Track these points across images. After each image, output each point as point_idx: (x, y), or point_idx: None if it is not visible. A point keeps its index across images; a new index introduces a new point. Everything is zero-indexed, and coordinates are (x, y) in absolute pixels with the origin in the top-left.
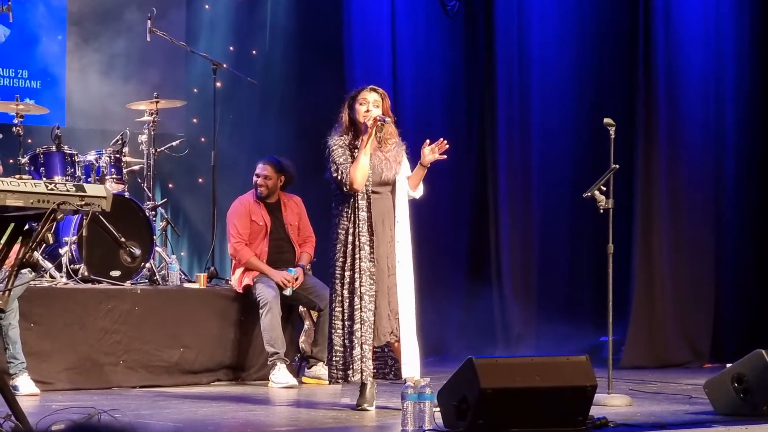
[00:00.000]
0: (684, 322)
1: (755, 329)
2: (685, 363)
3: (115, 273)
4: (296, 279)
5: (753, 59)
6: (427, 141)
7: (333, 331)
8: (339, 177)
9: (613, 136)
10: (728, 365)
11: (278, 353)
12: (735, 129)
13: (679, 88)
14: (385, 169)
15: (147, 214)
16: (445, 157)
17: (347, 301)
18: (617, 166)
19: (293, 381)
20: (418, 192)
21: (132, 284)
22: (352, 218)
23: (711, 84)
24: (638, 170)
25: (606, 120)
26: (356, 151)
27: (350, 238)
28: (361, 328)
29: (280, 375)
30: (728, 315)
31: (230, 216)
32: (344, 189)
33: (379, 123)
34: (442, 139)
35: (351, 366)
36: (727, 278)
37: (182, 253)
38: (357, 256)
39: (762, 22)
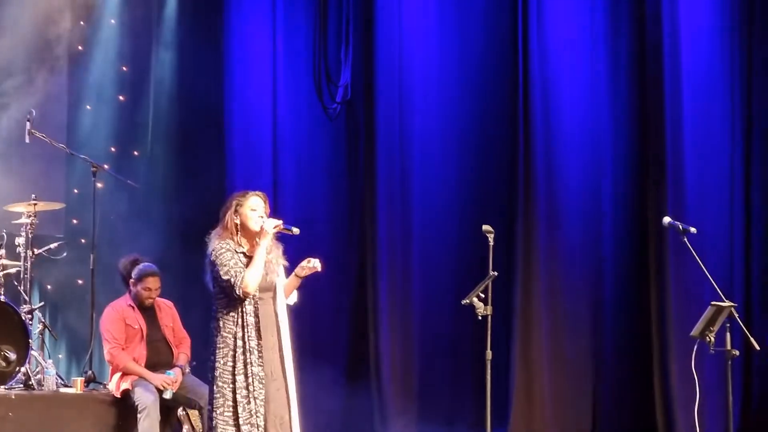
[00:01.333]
0: (563, 425)
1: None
2: None
3: None
4: (175, 381)
5: (629, 162)
6: (309, 259)
7: None
8: (232, 280)
9: (491, 243)
10: None
11: None
12: (613, 234)
13: (558, 194)
14: (269, 272)
15: (23, 318)
16: (319, 269)
17: (241, 405)
18: (496, 273)
19: None
20: (292, 299)
21: (6, 389)
22: (240, 322)
23: (589, 192)
24: (518, 276)
25: (485, 227)
26: (243, 255)
27: (239, 342)
28: None
29: None
30: (607, 419)
31: (103, 322)
32: (235, 293)
33: (283, 230)
34: (318, 264)
35: None
36: (606, 383)
37: (60, 356)
38: (248, 360)
39: (638, 124)
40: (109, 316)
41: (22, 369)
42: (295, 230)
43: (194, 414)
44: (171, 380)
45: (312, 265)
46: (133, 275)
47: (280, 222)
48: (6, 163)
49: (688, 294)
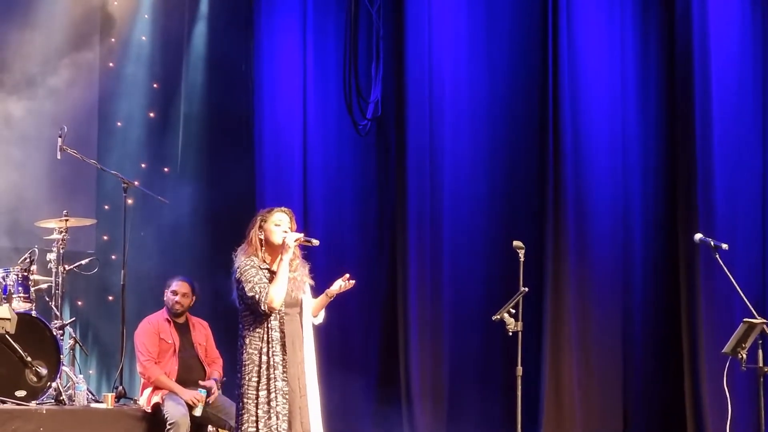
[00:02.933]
0: None
1: None
2: None
3: (21, 393)
4: (211, 390)
5: (659, 181)
6: (346, 275)
7: None
8: (257, 297)
9: (522, 259)
10: None
11: None
12: (643, 251)
13: (587, 208)
14: (295, 288)
15: (54, 333)
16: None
17: (262, 420)
18: (526, 288)
19: None
20: (319, 318)
21: (37, 404)
22: (265, 338)
23: (619, 206)
24: (548, 291)
25: (515, 243)
26: (267, 272)
27: (264, 357)
28: None
29: None
30: None
31: (138, 335)
32: (261, 309)
33: (304, 243)
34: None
35: None
36: (636, 399)
37: (90, 372)
38: (272, 375)
39: (666, 145)
40: (143, 329)
41: (54, 384)
42: (315, 242)
43: None
44: (201, 397)
45: (346, 284)
46: (165, 286)
47: (301, 235)
48: (37, 179)
49: (720, 310)
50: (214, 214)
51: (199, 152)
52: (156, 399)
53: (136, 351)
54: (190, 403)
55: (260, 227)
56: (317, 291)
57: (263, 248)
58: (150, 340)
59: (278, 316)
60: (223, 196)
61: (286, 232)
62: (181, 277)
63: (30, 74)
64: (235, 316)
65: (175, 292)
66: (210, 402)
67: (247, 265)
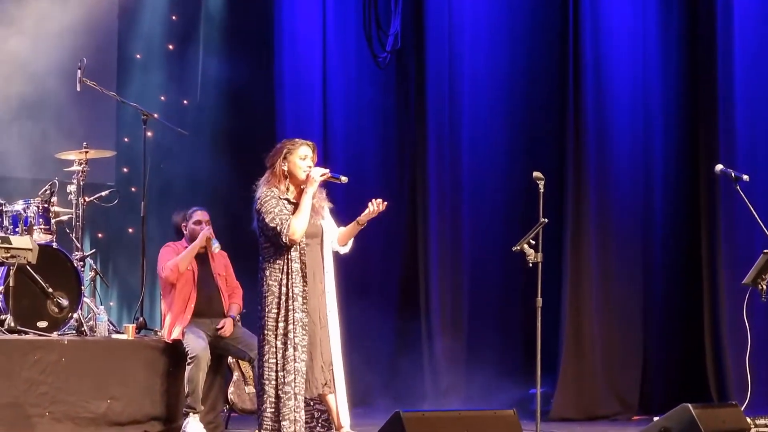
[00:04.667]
0: (612, 374)
1: (683, 382)
2: (614, 415)
3: (42, 324)
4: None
5: (679, 115)
6: (375, 200)
7: (266, 382)
8: (278, 228)
9: (542, 190)
10: (655, 418)
11: (192, 406)
12: (664, 182)
13: (608, 142)
14: (314, 215)
15: (75, 265)
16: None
17: (280, 351)
18: (546, 220)
19: None
20: (347, 248)
21: (59, 335)
22: (285, 269)
23: (640, 138)
24: (568, 223)
25: (535, 174)
26: (288, 203)
27: (283, 289)
28: (294, 379)
29: (191, 426)
30: (656, 367)
31: (160, 258)
32: (282, 240)
33: (331, 179)
34: (383, 201)
35: (285, 417)
36: (656, 331)
37: (111, 304)
38: (291, 307)
39: (688, 79)
40: (165, 252)
41: (75, 315)
42: (344, 179)
43: (245, 363)
44: (210, 233)
45: (376, 207)
46: (182, 218)
47: (327, 171)
48: (57, 111)
49: (740, 241)
50: (233, 147)
51: (219, 84)
52: (177, 332)
53: (158, 269)
54: (206, 239)
55: (285, 158)
56: (338, 222)
57: (286, 179)
58: (171, 257)
59: (298, 247)
60: (242, 129)
61: (310, 167)
62: (196, 207)
63: (49, 7)
64: (254, 246)
65: (198, 222)
66: (228, 334)
67: (268, 195)
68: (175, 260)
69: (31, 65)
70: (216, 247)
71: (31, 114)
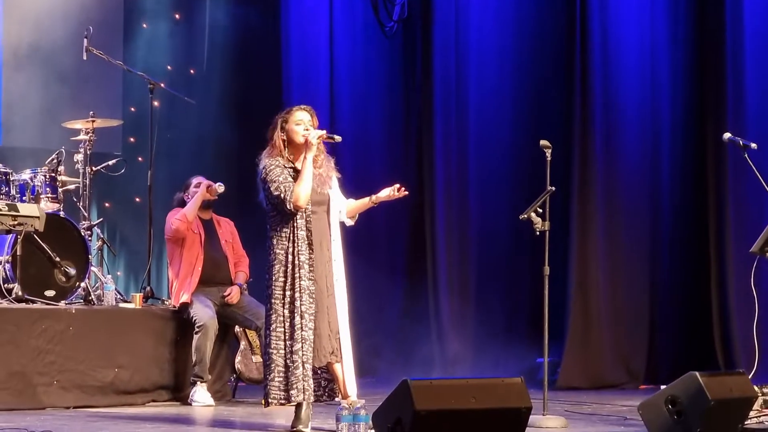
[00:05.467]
0: (620, 343)
1: (690, 350)
2: (621, 384)
3: (50, 293)
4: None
5: (687, 83)
6: (397, 186)
7: (273, 351)
8: (282, 195)
9: (549, 158)
10: (663, 387)
11: (200, 375)
12: (671, 150)
13: (615, 110)
14: (320, 184)
15: (82, 234)
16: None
17: (288, 320)
18: (553, 188)
19: (210, 401)
20: (353, 221)
21: (67, 304)
22: (291, 237)
23: (647, 106)
24: (574, 192)
25: (542, 142)
26: (292, 171)
27: (290, 257)
28: (302, 348)
29: (198, 395)
30: (663, 336)
31: (169, 216)
32: (287, 208)
33: (327, 139)
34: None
35: (294, 386)
36: (663, 300)
37: (118, 273)
38: (297, 275)
39: (696, 48)
40: (172, 213)
41: (82, 284)
42: (337, 138)
43: (252, 333)
44: (214, 187)
45: (395, 193)
46: (183, 190)
47: (323, 132)
48: (64, 80)
49: (748, 209)
50: (240, 116)
51: (225, 53)
52: (184, 297)
53: (166, 229)
54: (210, 194)
55: (282, 128)
56: (346, 193)
57: (287, 148)
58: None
59: (304, 214)
60: (249, 98)
61: (307, 130)
62: (196, 176)
63: None
64: (261, 216)
65: (198, 184)
66: (235, 302)
67: (273, 164)
68: (182, 211)
69: (37, 34)
70: (220, 185)
71: (38, 84)
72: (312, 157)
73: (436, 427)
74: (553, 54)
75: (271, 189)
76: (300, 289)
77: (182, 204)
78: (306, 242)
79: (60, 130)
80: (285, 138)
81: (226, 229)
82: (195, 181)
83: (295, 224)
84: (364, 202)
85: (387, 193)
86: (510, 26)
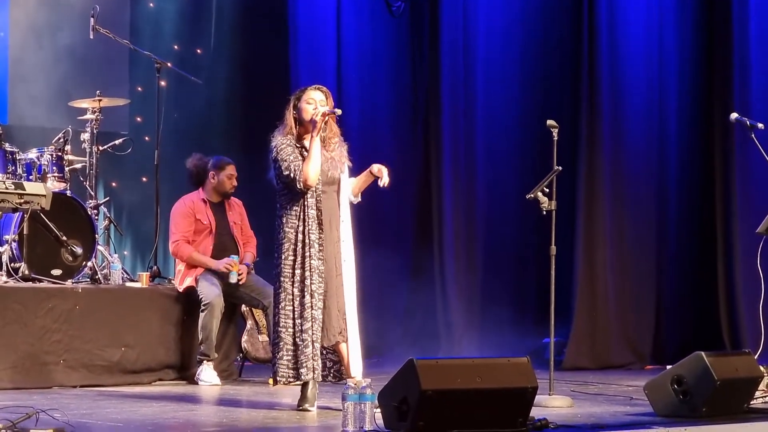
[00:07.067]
0: (626, 323)
1: (696, 331)
2: (627, 364)
3: (57, 272)
4: (240, 275)
5: (694, 64)
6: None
7: (282, 329)
8: (291, 174)
9: (556, 138)
10: (668, 367)
11: (206, 353)
12: (677, 131)
13: (622, 90)
14: (331, 168)
15: (89, 213)
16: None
17: (297, 299)
18: (560, 168)
19: (217, 380)
20: (359, 197)
21: (73, 283)
22: (302, 216)
23: (654, 87)
24: (581, 172)
25: (549, 122)
26: (303, 150)
27: (300, 236)
28: (312, 327)
29: (205, 374)
30: (669, 317)
31: (173, 214)
32: (297, 186)
33: (329, 115)
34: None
35: (303, 365)
36: (669, 280)
37: (125, 252)
38: (307, 254)
39: (703, 30)
40: (178, 209)
41: (89, 263)
42: (337, 111)
43: (258, 312)
44: (234, 262)
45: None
46: (211, 167)
47: (325, 108)
48: (70, 59)
49: (754, 189)
50: (247, 96)
51: (233, 33)
52: (189, 280)
53: (170, 232)
54: (225, 269)
55: (294, 106)
56: (354, 173)
57: (298, 127)
58: (184, 221)
59: (315, 193)
60: (256, 78)
61: (316, 109)
62: (228, 159)
63: None
64: (269, 197)
65: (230, 176)
66: (243, 281)
67: (283, 143)
68: (190, 251)
69: (44, 13)
70: (233, 274)
71: (45, 63)
72: (318, 135)
73: (442, 407)
74: (561, 33)
75: (282, 168)
76: (310, 268)
77: (197, 180)
78: (316, 221)
79: (67, 109)
80: (296, 116)
81: (236, 211)
82: (230, 170)
83: (306, 203)
84: (365, 177)
85: (378, 168)
86: (518, 5)
